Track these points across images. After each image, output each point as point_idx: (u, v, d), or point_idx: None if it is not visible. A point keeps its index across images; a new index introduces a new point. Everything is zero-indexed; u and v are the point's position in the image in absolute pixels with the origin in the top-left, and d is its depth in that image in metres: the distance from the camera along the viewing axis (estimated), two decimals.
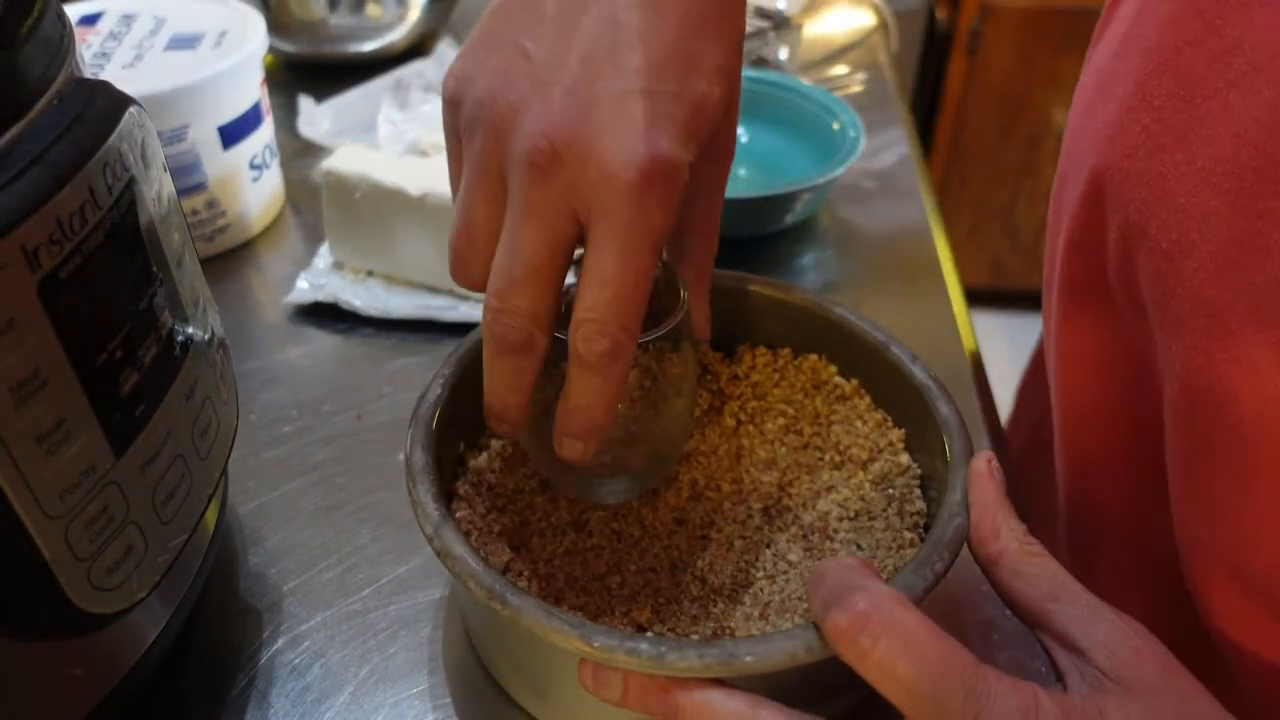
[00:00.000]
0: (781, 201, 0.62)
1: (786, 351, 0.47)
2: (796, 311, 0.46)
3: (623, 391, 0.34)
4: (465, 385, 0.41)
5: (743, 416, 0.45)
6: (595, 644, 0.31)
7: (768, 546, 0.40)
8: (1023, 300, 1.88)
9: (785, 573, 0.39)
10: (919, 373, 0.41)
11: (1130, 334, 0.38)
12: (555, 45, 0.32)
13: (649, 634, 0.34)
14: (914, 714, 0.28)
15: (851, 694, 0.37)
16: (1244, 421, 0.31)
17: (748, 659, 0.31)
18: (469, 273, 0.35)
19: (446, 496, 0.41)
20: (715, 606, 0.38)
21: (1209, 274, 0.31)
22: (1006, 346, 1.81)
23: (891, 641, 0.28)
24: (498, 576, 0.34)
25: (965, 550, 0.35)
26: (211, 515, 0.39)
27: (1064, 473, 0.48)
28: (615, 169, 0.31)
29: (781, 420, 0.45)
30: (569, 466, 0.38)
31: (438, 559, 0.35)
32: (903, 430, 0.43)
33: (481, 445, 0.44)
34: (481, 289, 0.34)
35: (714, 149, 0.36)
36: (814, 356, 0.46)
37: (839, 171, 0.63)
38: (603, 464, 0.39)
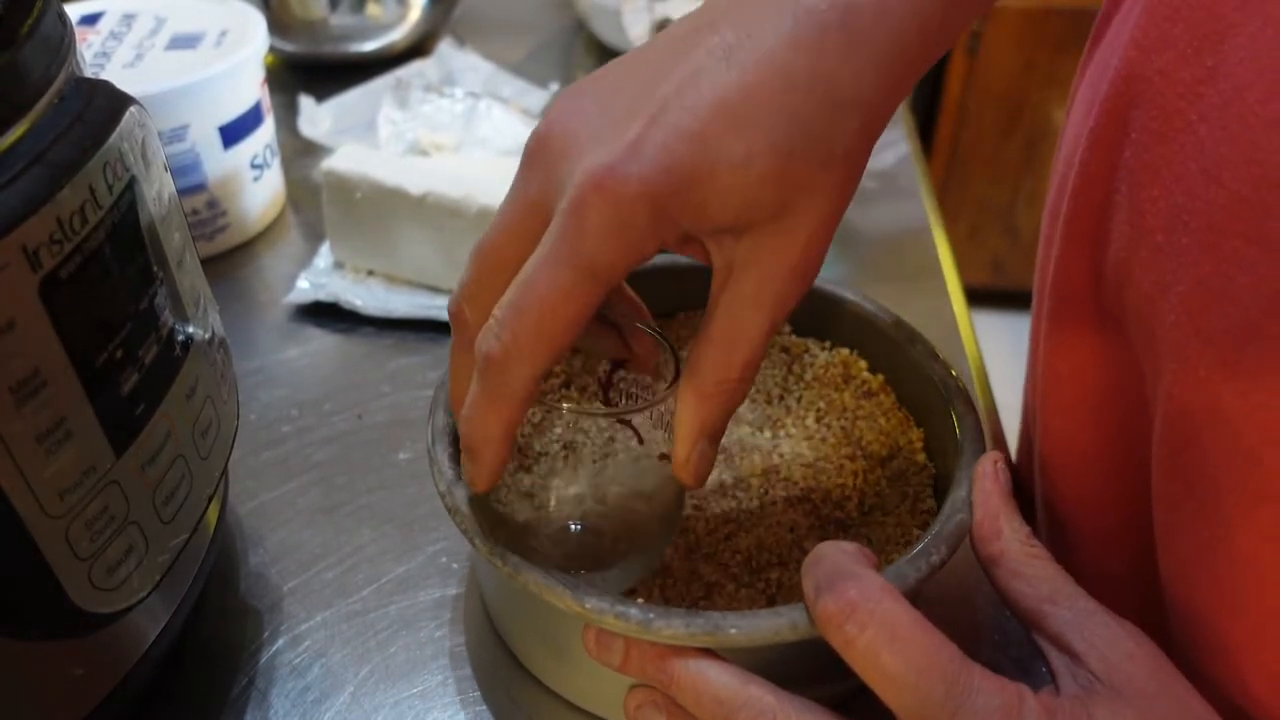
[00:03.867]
0: None
1: (813, 343, 0.48)
2: (822, 302, 0.47)
3: (510, 421, 0.31)
4: None
5: (791, 404, 0.46)
6: (586, 605, 0.33)
7: (788, 532, 0.41)
8: (1023, 300, 1.87)
9: (797, 561, 0.40)
10: (938, 371, 0.42)
11: (1120, 370, 0.37)
12: (627, 71, 0.31)
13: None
14: (896, 704, 0.28)
15: (842, 681, 0.37)
16: (1219, 471, 0.30)
17: (732, 631, 0.32)
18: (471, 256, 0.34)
19: None
20: (723, 591, 0.38)
21: (1179, 317, 0.30)
22: (1006, 346, 1.81)
23: (877, 631, 0.28)
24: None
25: (971, 551, 0.35)
26: (212, 515, 0.39)
27: (1042, 513, 0.47)
28: (576, 172, 0.29)
29: (813, 414, 0.45)
30: (527, 540, 0.36)
31: (449, 516, 0.36)
32: (922, 430, 0.44)
33: None
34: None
35: (757, 250, 0.31)
36: (845, 351, 0.47)
37: None
38: (556, 544, 0.37)
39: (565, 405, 0.34)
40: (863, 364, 0.46)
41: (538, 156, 0.31)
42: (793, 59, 0.29)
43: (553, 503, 0.36)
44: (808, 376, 0.46)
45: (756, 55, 0.29)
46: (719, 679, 0.32)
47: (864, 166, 0.31)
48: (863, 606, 0.29)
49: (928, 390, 0.42)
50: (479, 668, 0.42)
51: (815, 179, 0.30)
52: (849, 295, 0.46)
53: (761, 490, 0.42)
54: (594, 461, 0.35)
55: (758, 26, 0.29)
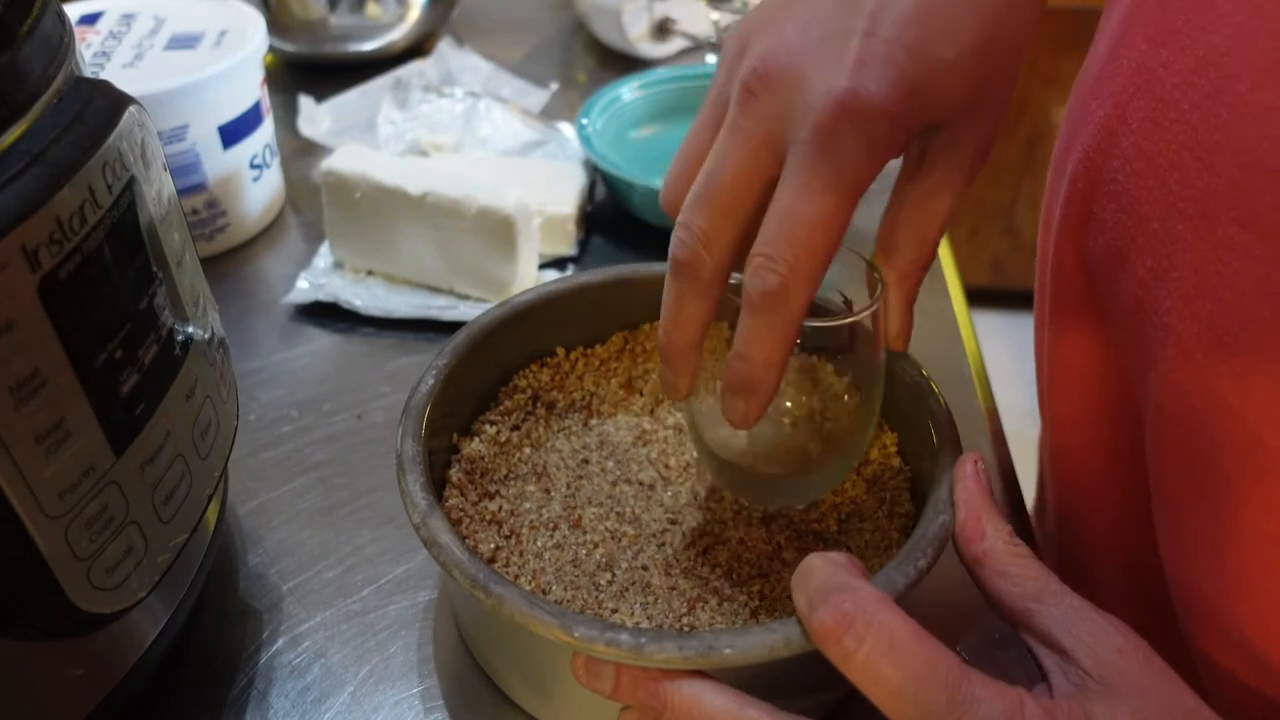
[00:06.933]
0: None
1: None
2: None
3: (789, 347, 0.32)
4: (459, 376, 0.42)
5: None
6: (575, 634, 0.32)
7: (766, 543, 0.40)
8: (1023, 300, 1.87)
9: (779, 572, 0.39)
10: (908, 370, 0.41)
11: (1118, 354, 0.37)
12: None
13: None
14: (897, 716, 0.28)
15: (835, 689, 0.37)
16: (1221, 456, 0.30)
17: (726, 651, 0.31)
18: (669, 194, 0.35)
19: (439, 483, 0.41)
20: (706, 606, 0.38)
21: (1175, 302, 0.31)
22: (1006, 346, 1.81)
23: (875, 643, 0.28)
24: (482, 565, 0.34)
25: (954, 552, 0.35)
26: (211, 515, 0.39)
27: (1053, 497, 0.47)
28: (813, 99, 0.30)
29: (787, 419, 0.45)
30: (727, 455, 0.38)
31: (426, 550, 0.35)
32: (896, 434, 0.43)
33: (475, 432, 0.44)
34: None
35: (951, 140, 0.34)
36: (807, 356, 0.46)
37: None
38: (762, 459, 0.39)
39: (808, 323, 0.34)
40: (829, 368, 0.46)
41: (762, 93, 0.32)
42: None
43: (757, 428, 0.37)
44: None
45: None
46: (715, 702, 0.31)
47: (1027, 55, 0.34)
48: (859, 619, 0.28)
49: (897, 390, 0.41)
50: (455, 682, 0.41)
51: (1003, 71, 0.33)
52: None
53: (735, 501, 0.42)
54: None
55: None
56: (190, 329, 0.35)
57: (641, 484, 0.43)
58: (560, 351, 0.47)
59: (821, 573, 0.30)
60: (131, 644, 0.35)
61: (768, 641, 0.31)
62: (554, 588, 0.38)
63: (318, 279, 0.60)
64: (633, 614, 0.37)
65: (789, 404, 0.38)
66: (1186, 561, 0.34)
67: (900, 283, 0.36)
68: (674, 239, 0.33)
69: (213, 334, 0.38)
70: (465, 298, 0.59)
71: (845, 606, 0.29)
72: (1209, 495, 0.31)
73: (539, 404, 0.46)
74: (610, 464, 0.43)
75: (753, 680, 0.32)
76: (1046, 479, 0.48)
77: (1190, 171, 0.30)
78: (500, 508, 0.41)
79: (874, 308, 0.36)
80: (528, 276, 0.59)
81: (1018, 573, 0.32)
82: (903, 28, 0.31)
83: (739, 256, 0.33)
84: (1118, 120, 0.34)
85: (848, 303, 0.38)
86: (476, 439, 0.43)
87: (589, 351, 0.48)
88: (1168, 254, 0.31)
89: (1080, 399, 0.41)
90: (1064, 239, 0.39)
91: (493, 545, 0.39)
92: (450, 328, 0.58)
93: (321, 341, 0.58)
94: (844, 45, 0.31)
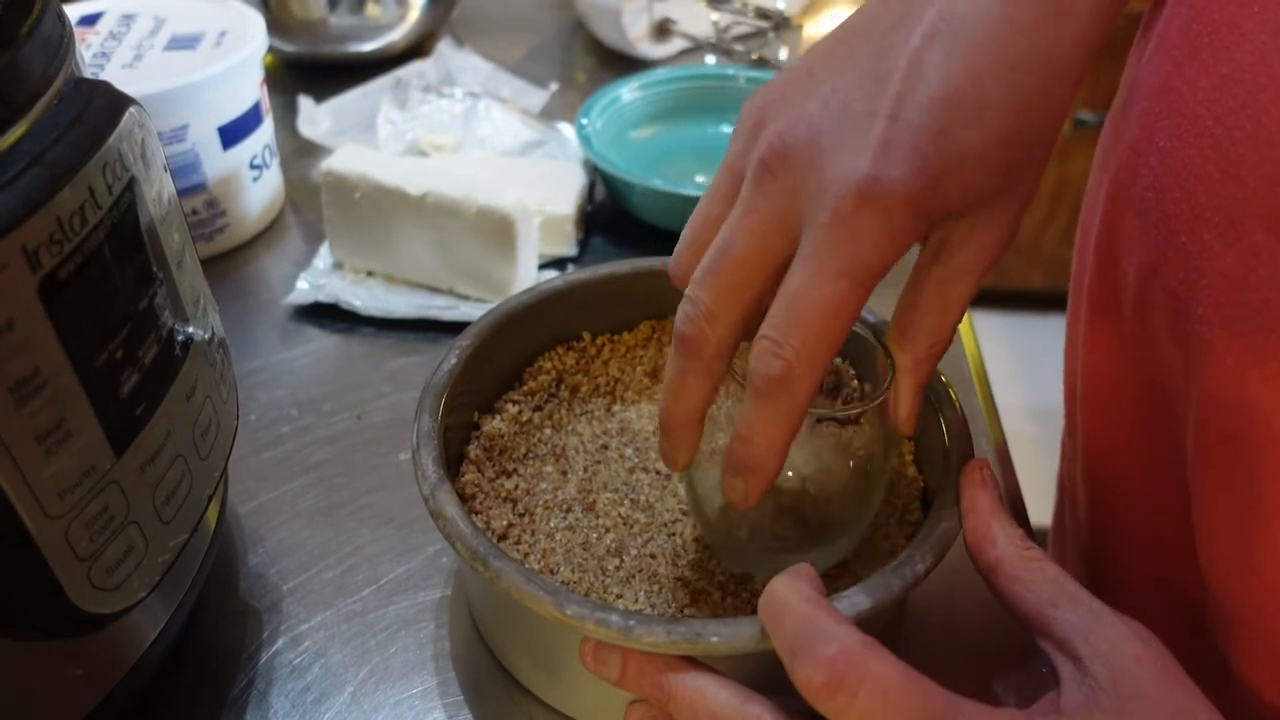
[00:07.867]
0: None
1: None
2: None
3: (793, 433, 0.31)
4: (482, 357, 0.43)
5: None
6: (567, 611, 0.32)
7: (774, 540, 0.40)
8: (1023, 300, 1.88)
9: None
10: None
11: (1157, 369, 0.37)
12: (837, 67, 0.32)
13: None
14: None
15: None
16: (1256, 464, 0.30)
17: (713, 639, 0.31)
18: (679, 265, 0.35)
19: (457, 459, 0.42)
20: (709, 599, 0.38)
21: (1206, 310, 0.31)
22: (1006, 347, 1.81)
23: (870, 698, 0.27)
24: (484, 540, 0.34)
25: (954, 560, 0.35)
26: (211, 515, 0.39)
27: (1084, 513, 0.47)
28: (831, 182, 0.29)
29: (808, 422, 0.45)
30: (726, 526, 0.37)
31: (432, 521, 0.36)
32: (913, 443, 0.43)
33: (496, 410, 0.44)
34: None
35: (976, 225, 0.32)
36: (838, 359, 0.46)
37: None
38: (756, 531, 0.38)
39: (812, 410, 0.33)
40: (853, 372, 0.46)
41: (780, 171, 0.31)
42: (1012, 37, 0.30)
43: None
44: None
45: (974, 37, 0.30)
46: (717, 696, 0.31)
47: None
48: (850, 675, 0.27)
49: None
50: (469, 673, 0.42)
51: (1033, 155, 0.32)
52: None
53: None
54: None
55: (962, 3, 0.30)
56: (190, 329, 0.35)
57: (658, 473, 0.43)
58: (586, 336, 0.48)
59: (795, 613, 0.29)
60: (131, 644, 0.35)
61: (755, 632, 0.31)
62: (562, 568, 0.39)
63: (318, 279, 0.60)
64: (636, 600, 0.38)
65: (790, 474, 0.38)
66: (1225, 574, 0.33)
67: (914, 369, 0.35)
68: (679, 312, 0.33)
69: (213, 334, 0.38)
70: (465, 298, 0.59)
71: (835, 662, 0.27)
72: (1246, 505, 0.31)
73: (563, 386, 0.46)
74: (629, 451, 0.44)
75: (754, 676, 0.32)
76: (1078, 495, 0.47)
77: (1215, 182, 0.30)
78: (516, 486, 0.42)
79: (883, 396, 0.35)
80: (528, 276, 0.59)
81: (1031, 578, 0.32)
82: (930, 113, 0.29)
83: (745, 334, 0.33)
84: (1145, 142, 0.35)
85: (859, 380, 0.37)
86: (498, 417, 0.44)
87: (616, 338, 0.48)
88: (1197, 264, 0.31)
89: (1114, 413, 0.40)
90: (1100, 260, 0.39)
91: (505, 522, 0.40)
92: (450, 328, 0.58)
93: (321, 341, 0.58)
94: (868, 127, 0.29)
